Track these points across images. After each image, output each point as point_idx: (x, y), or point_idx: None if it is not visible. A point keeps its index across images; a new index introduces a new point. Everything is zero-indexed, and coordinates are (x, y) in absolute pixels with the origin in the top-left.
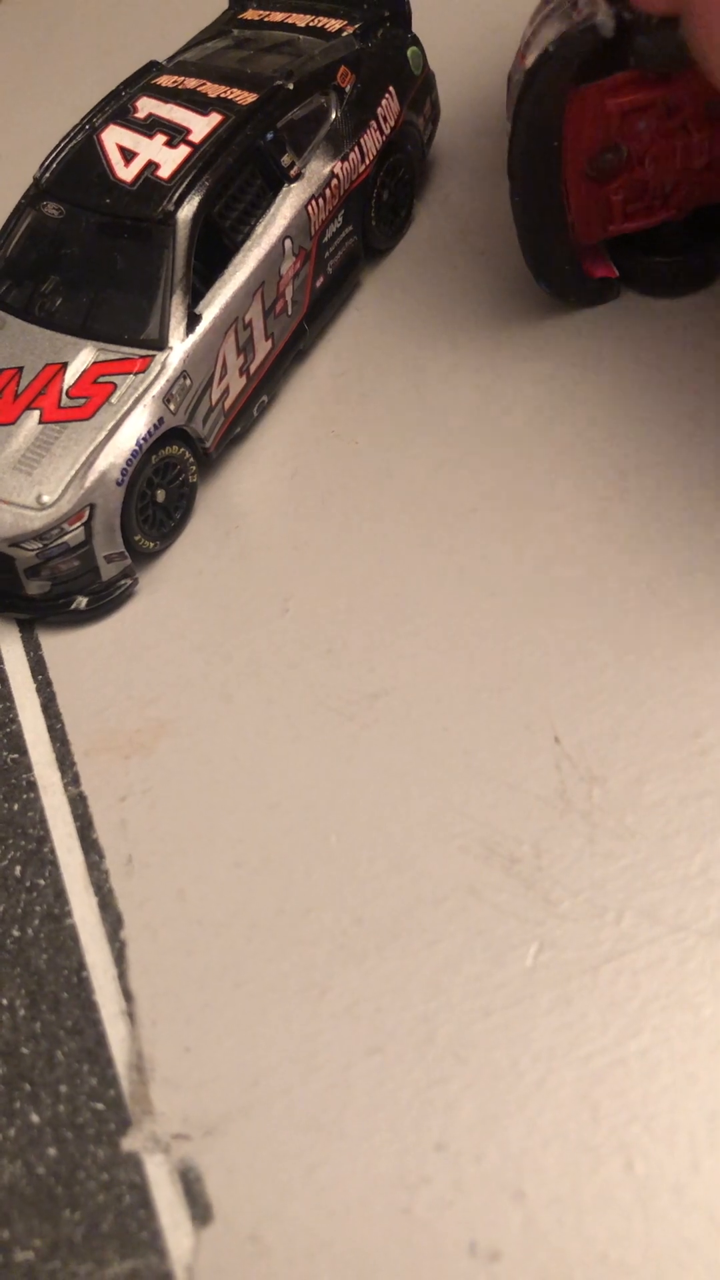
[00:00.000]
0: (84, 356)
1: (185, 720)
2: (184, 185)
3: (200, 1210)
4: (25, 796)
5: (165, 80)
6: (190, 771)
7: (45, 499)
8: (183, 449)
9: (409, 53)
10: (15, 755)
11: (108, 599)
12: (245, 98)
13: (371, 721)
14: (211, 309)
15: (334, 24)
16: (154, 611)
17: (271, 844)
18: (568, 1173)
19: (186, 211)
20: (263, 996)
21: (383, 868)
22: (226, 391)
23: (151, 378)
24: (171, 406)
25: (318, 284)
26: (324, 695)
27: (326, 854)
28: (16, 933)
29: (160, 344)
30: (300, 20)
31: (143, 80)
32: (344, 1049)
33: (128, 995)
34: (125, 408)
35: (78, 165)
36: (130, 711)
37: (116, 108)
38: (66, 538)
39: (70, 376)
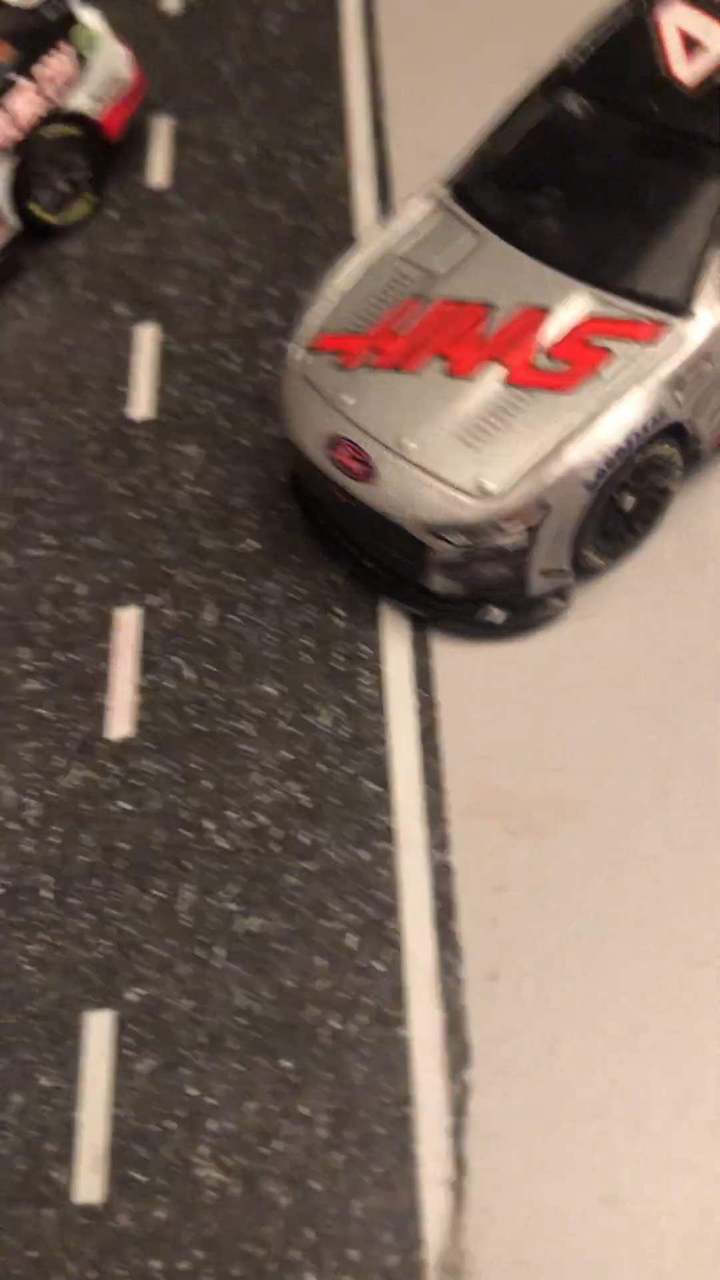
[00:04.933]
0: (576, 305)
1: (600, 806)
2: None
3: None
4: (379, 846)
5: None
6: (594, 878)
7: (489, 486)
8: (674, 449)
9: None
10: (378, 788)
11: (530, 618)
12: None
13: None
14: None
15: None
16: (584, 645)
17: (686, 1012)
18: None
19: None
20: (636, 1232)
21: None
22: None
23: (663, 353)
24: (680, 396)
25: None
26: None
27: None
28: (337, 1024)
29: (682, 308)
30: None
31: None
32: None
33: (459, 1162)
34: (620, 387)
35: (622, 53)
36: (530, 773)
37: None
38: (503, 540)
39: (553, 329)
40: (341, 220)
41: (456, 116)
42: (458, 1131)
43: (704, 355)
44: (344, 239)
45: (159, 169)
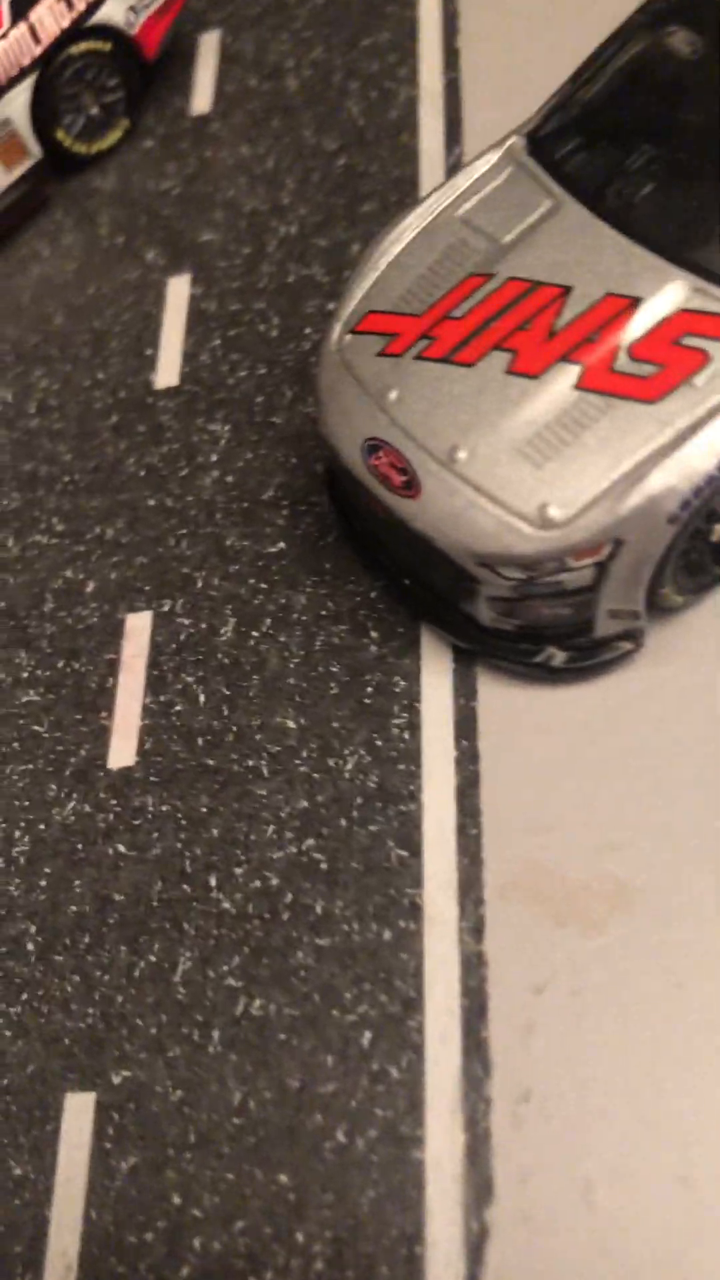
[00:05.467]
0: (669, 295)
1: (661, 897)
2: None
3: None
4: (403, 925)
5: None
6: (647, 986)
7: (553, 513)
8: None
9: None
10: (405, 854)
11: (592, 663)
12: None
13: None
14: None
15: None
16: (653, 697)
17: None
18: None
19: None
20: None
21: None
22: None
23: None
24: None
25: None
26: None
27: None
28: (343, 1137)
29: None
30: None
31: None
32: None
33: None
34: (717, 400)
35: None
36: (581, 849)
37: None
38: (566, 576)
39: (640, 324)
40: (403, 162)
41: (546, 49)
42: None
43: None
44: (405, 184)
45: (202, 92)
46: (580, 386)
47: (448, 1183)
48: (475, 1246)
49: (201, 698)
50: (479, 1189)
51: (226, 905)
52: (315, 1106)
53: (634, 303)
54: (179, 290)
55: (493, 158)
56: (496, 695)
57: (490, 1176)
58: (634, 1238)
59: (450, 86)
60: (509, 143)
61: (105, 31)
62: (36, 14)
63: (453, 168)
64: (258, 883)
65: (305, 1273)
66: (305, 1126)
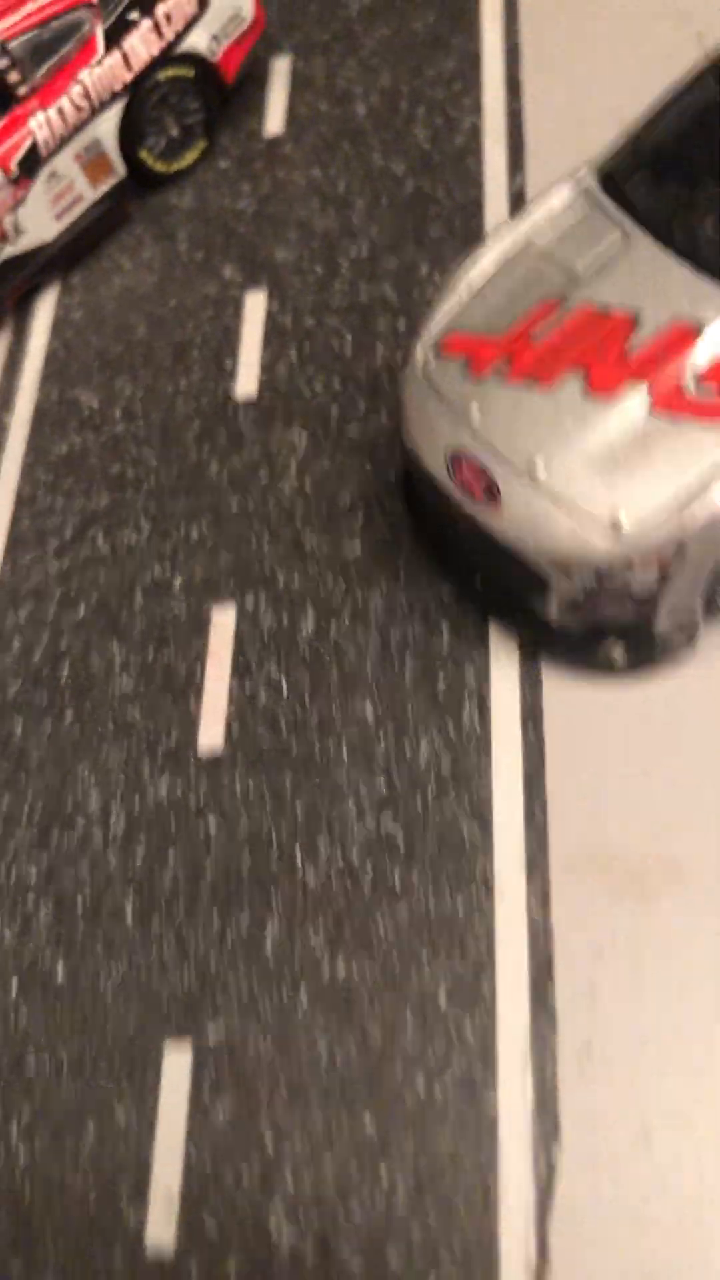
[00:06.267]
0: None
1: (713, 872)
2: None
3: None
4: (476, 896)
5: None
6: (700, 951)
7: (624, 521)
8: None
9: None
10: (477, 833)
11: (652, 658)
12: None
13: None
14: None
15: None
16: (710, 693)
17: None
18: None
19: None
20: None
21: None
22: None
23: None
24: None
25: None
26: None
27: None
28: (422, 1086)
29: None
30: None
31: None
32: None
33: (543, 1248)
34: None
35: None
36: (639, 830)
37: None
38: (632, 580)
39: (707, 349)
40: (469, 187)
41: (604, 80)
42: (542, 1216)
43: None
44: (470, 208)
45: (275, 115)
46: (651, 408)
47: (518, 1127)
48: (544, 1185)
49: (285, 686)
50: (547, 1132)
51: (310, 877)
52: (396, 1058)
53: (701, 329)
54: (256, 305)
55: (565, 191)
56: (561, 688)
57: (558, 1121)
58: (689, 1176)
59: (513, 116)
60: (580, 176)
61: (190, 59)
62: (130, 42)
63: (517, 194)
64: (340, 856)
65: (388, 1206)
66: (388, 1076)
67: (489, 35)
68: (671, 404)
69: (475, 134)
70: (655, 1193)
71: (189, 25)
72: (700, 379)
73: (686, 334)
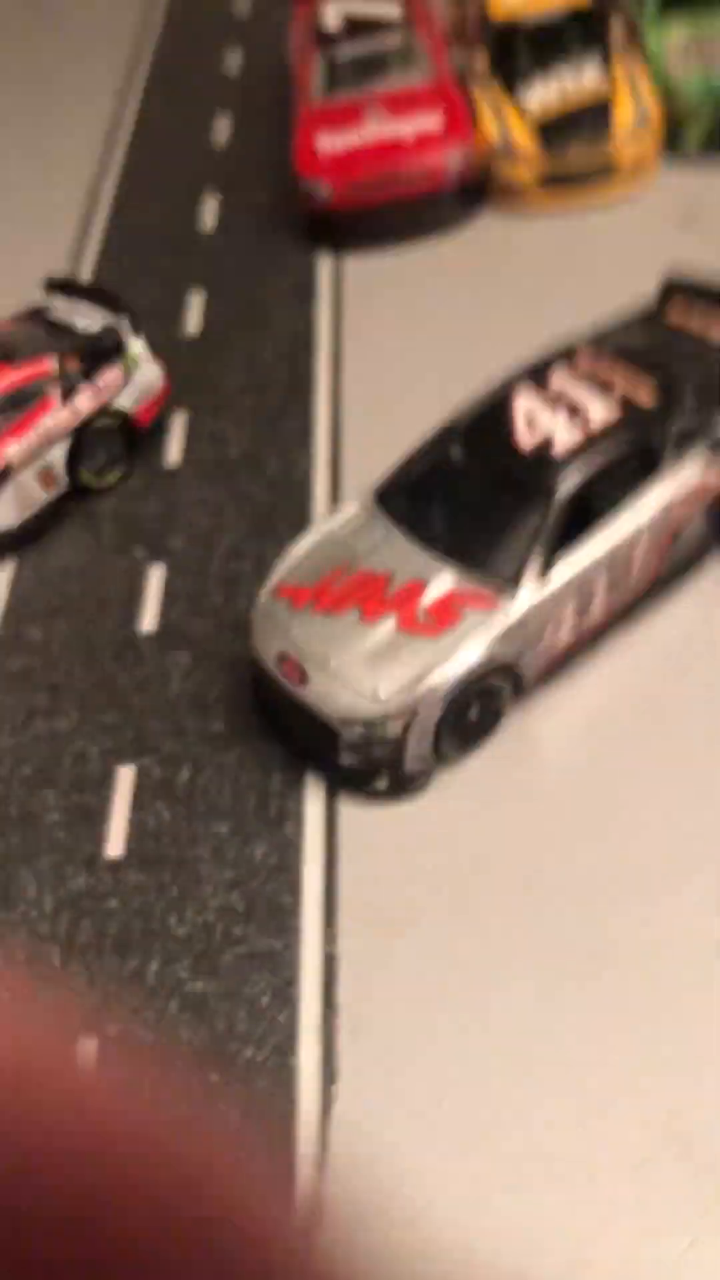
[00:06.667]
0: (445, 580)
1: (434, 917)
2: (570, 467)
3: None
4: (290, 939)
5: (583, 362)
6: (427, 963)
7: (381, 694)
8: (503, 683)
9: None
10: (292, 896)
11: (404, 788)
12: (646, 396)
13: (588, 984)
14: (564, 570)
15: None
16: (440, 807)
17: (479, 1066)
18: None
19: (567, 489)
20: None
21: (573, 1115)
22: (555, 643)
23: (497, 617)
24: (505, 646)
25: (661, 569)
26: (560, 944)
27: (528, 1088)
28: (248, 1054)
29: (513, 586)
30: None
31: (560, 357)
32: None
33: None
34: (467, 637)
35: (489, 421)
36: (393, 892)
37: (532, 377)
38: (387, 731)
39: (430, 595)
40: (304, 501)
41: (394, 432)
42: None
43: (522, 621)
44: (305, 515)
45: (174, 452)
46: (398, 628)
47: (311, 1068)
48: (327, 1098)
49: (166, 815)
50: (329, 1074)
51: (181, 931)
52: (233, 1040)
53: (426, 583)
54: (156, 574)
55: (355, 504)
56: (349, 809)
57: (337, 1069)
58: (421, 1090)
59: (334, 456)
60: (365, 496)
61: (117, 413)
62: (78, 401)
63: (333, 506)
64: (201, 920)
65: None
66: (227, 1054)
67: (321, 406)
68: (409, 626)
69: (309, 469)
70: (394, 1106)
71: (117, 391)
72: (426, 612)
73: (419, 586)
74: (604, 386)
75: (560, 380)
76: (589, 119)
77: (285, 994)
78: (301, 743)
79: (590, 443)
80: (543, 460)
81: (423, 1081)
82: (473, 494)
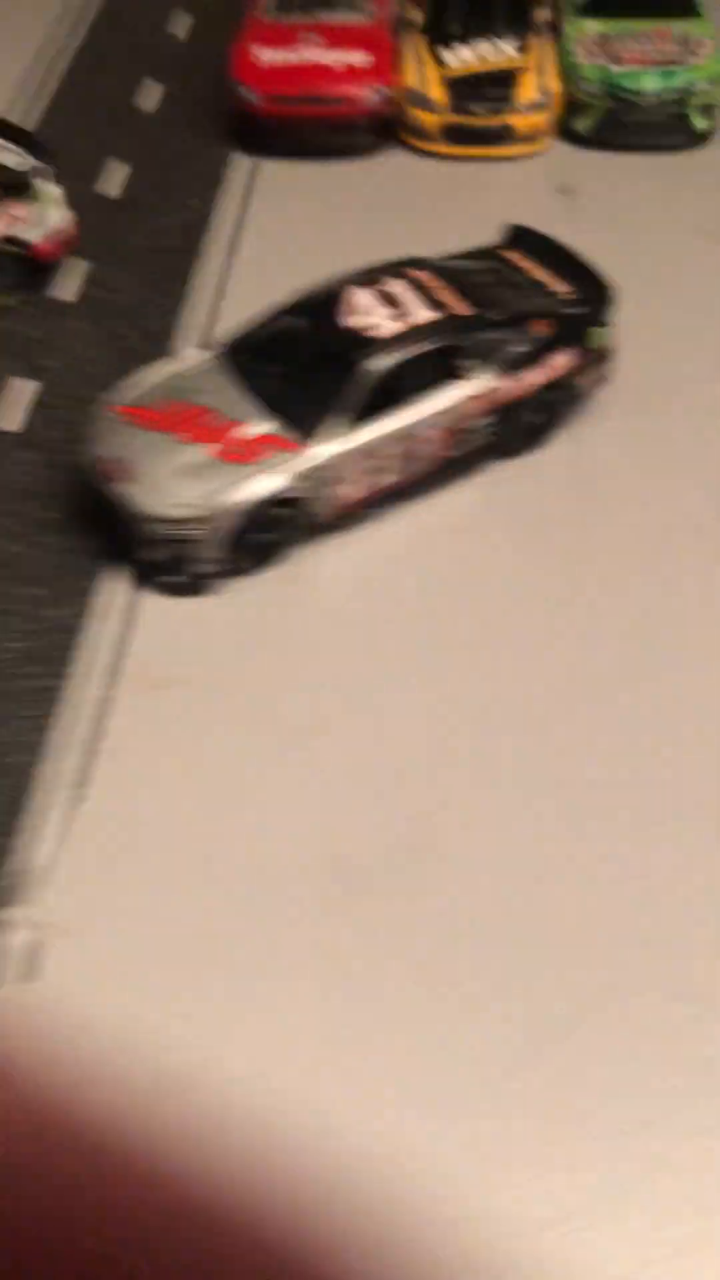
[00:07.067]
0: (262, 424)
1: (199, 679)
2: (385, 349)
3: None
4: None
5: (419, 274)
6: (186, 712)
7: (191, 500)
8: (294, 513)
9: (594, 331)
10: (82, 651)
11: (197, 587)
12: (462, 310)
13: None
14: (364, 434)
15: (562, 290)
16: (227, 607)
17: (213, 804)
18: None
19: (380, 367)
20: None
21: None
22: (348, 494)
23: (299, 459)
24: (301, 483)
25: (448, 454)
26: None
27: (259, 818)
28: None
29: (319, 439)
30: (541, 276)
31: (403, 266)
32: None
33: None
34: (269, 469)
35: (327, 303)
36: (168, 658)
37: (373, 276)
38: (192, 531)
39: (247, 432)
40: (173, 355)
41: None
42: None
43: (321, 465)
44: (165, 343)
45: (70, 292)
46: (216, 454)
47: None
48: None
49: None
50: (77, 790)
51: None
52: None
53: (248, 423)
54: (30, 388)
55: (206, 352)
56: (150, 598)
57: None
58: (157, 806)
59: (208, 325)
60: (215, 346)
61: (21, 243)
62: None
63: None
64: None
65: None
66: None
67: (214, 261)
68: (222, 453)
69: (184, 328)
70: (133, 813)
71: (26, 225)
72: (240, 445)
73: (240, 425)
74: (431, 296)
75: (396, 284)
76: (497, 86)
77: (53, 722)
78: (120, 538)
79: (406, 334)
80: (363, 339)
81: (164, 812)
82: (302, 360)
